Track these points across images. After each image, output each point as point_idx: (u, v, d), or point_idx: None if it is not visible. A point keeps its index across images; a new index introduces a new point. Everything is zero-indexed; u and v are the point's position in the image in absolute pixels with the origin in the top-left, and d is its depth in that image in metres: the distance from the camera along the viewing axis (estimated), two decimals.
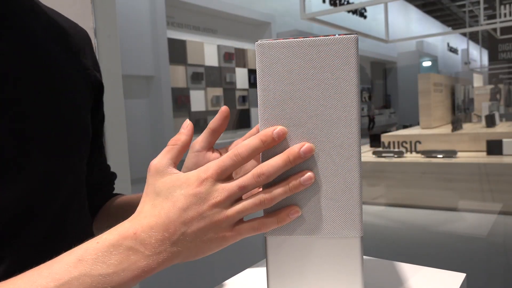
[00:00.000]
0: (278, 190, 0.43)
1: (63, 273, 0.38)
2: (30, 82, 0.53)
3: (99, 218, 0.75)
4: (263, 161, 0.44)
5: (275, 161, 0.42)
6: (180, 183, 0.42)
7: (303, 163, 0.45)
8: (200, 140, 0.52)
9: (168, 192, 0.42)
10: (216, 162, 0.43)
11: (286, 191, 0.43)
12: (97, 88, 0.68)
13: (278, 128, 0.43)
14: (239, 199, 0.43)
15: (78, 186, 0.61)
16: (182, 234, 0.41)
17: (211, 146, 0.53)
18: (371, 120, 12.02)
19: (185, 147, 0.47)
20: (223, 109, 0.51)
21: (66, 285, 0.38)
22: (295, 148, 0.43)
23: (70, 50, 0.62)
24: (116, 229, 0.42)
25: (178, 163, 0.47)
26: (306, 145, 0.43)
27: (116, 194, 0.79)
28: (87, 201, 0.66)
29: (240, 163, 0.43)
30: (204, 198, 0.41)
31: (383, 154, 4.60)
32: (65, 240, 0.55)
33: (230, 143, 0.58)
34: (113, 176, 0.80)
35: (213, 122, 0.51)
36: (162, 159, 0.45)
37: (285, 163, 0.42)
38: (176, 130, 7.34)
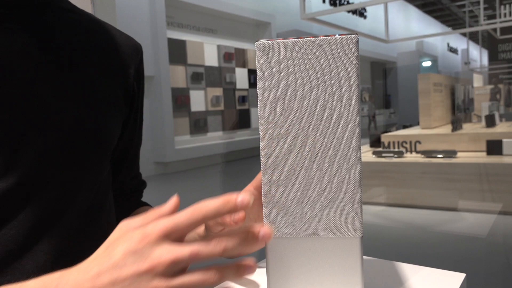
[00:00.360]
0: (230, 271, 0.38)
1: None
2: (55, 92, 0.54)
3: None
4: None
5: (213, 204, 0.38)
6: (125, 238, 0.37)
7: (301, 165, 0.45)
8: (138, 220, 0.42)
9: (112, 245, 0.37)
10: (170, 219, 0.37)
11: (235, 275, 0.38)
12: (135, 99, 0.69)
13: (243, 197, 0.38)
14: (182, 270, 0.37)
15: (98, 197, 0.61)
16: None
17: None
18: (371, 120, 12.01)
19: (158, 217, 0.40)
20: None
21: None
22: (233, 196, 0.39)
23: (108, 65, 0.63)
24: (42, 278, 0.37)
25: None
26: (244, 197, 0.38)
27: (145, 204, 0.80)
28: (112, 211, 0.67)
29: (196, 223, 0.37)
30: (144, 256, 0.35)
31: (383, 154, 4.60)
32: (84, 251, 0.55)
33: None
34: (143, 185, 0.80)
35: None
36: (132, 220, 0.40)
37: (222, 207, 0.38)
38: (176, 130, 7.35)
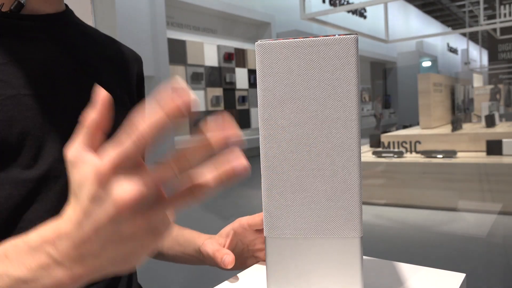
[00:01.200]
0: (209, 179, 0.33)
1: None
2: (77, 94, 0.62)
3: None
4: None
5: (153, 116, 0.31)
6: (84, 179, 0.33)
7: (301, 165, 0.45)
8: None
9: (77, 190, 0.34)
10: (114, 149, 0.32)
11: (217, 180, 0.33)
12: (136, 104, 0.76)
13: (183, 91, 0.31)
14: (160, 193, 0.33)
15: None
16: (101, 246, 0.33)
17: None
18: (379, 120, 12.01)
19: (96, 127, 0.36)
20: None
21: None
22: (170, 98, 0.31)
23: (116, 72, 0.71)
24: (41, 229, 0.36)
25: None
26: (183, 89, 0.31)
27: None
28: None
29: (143, 142, 0.31)
30: (108, 200, 0.32)
31: (383, 154, 4.60)
32: None
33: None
34: None
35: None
36: (71, 145, 0.36)
37: (165, 116, 0.30)
38: (176, 130, 7.34)
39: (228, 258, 0.59)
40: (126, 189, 0.31)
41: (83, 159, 0.34)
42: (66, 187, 0.58)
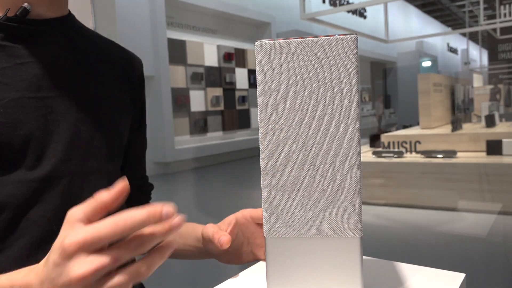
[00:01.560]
0: (155, 259, 0.39)
1: None
2: (79, 95, 0.64)
3: None
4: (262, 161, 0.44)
5: (137, 215, 0.37)
6: (57, 244, 0.38)
7: (301, 165, 0.45)
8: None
9: (52, 251, 0.39)
10: (90, 229, 0.37)
11: (162, 257, 0.39)
12: (140, 107, 0.78)
13: (167, 209, 0.37)
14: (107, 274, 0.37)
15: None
16: None
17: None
18: (380, 120, 12.01)
19: (103, 207, 0.39)
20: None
21: None
22: (158, 207, 0.37)
23: (117, 74, 0.73)
24: (13, 274, 0.43)
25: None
26: (168, 208, 0.38)
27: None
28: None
29: (119, 235, 0.37)
30: (66, 271, 0.37)
31: (383, 154, 4.60)
32: None
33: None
34: (150, 186, 0.86)
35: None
36: (75, 208, 0.40)
37: (146, 218, 0.37)
38: (176, 130, 7.37)
39: (224, 238, 0.59)
40: (82, 267, 0.36)
41: (70, 226, 0.39)
42: (68, 187, 0.60)
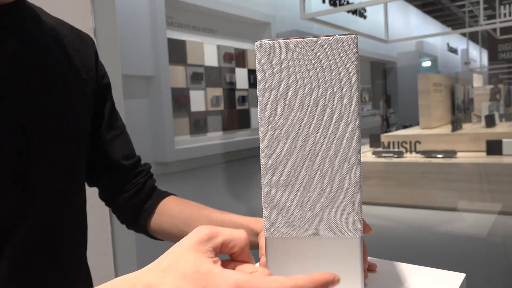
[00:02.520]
0: None
1: None
2: (34, 87, 0.60)
3: (159, 218, 0.78)
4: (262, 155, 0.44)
5: (305, 286, 0.37)
6: (199, 286, 0.36)
7: (301, 165, 0.45)
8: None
9: (182, 283, 0.36)
10: (288, 281, 0.36)
11: None
12: (101, 88, 0.75)
13: (336, 278, 0.38)
14: None
15: (72, 190, 0.65)
16: None
17: None
18: (385, 119, 11.98)
19: (235, 243, 0.41)
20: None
21: None
22: (327, 277, 0.38)
23: (72, 58, 0.69)
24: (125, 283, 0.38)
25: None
26: (336, 278, 0.38)
27: (167, 193, 0.82)
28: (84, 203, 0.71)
29: None
30: None
31: (383, 154, 4.60)
32: (60, 240, 0.61)
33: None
34: (146, 165, 0.83)
35: None
36: (213, 235, 0.40)
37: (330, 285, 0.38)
38: (176, 130, 7.36)
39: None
40: None
41: (212, 245, 0.39)
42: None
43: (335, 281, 0.38)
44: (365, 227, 0.53)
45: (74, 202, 0.66)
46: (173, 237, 0.76)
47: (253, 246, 0.69)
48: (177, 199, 0.80)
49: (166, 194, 0.82)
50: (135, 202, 0.78)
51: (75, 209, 0.66)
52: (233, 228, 0.67)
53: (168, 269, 0.38)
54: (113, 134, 0.77)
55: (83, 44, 0.73)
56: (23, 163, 0.56)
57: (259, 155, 0.46)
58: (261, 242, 0.59)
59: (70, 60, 0.68)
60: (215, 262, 0.38)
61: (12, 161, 0.55)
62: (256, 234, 0.68)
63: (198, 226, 0.71)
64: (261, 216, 0.64)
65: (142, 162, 0.84)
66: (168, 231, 0.76)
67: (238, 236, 0.41)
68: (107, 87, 0.77)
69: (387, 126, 11.59)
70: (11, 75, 0.57)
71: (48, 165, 0.59)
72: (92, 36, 1.34)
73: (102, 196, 0.80)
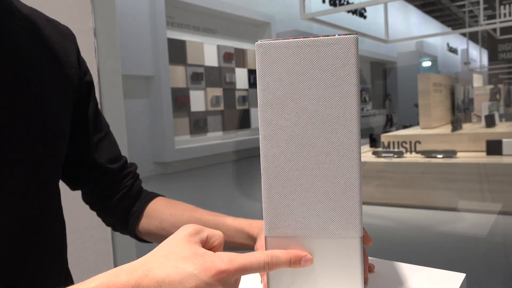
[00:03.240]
0: (282, 259, 0.45)
1: None
2: (5, 85, 0.55)
3: (148, 221, 0.76)
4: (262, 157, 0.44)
5: (282, 257, 0.45)
6: (194, 260, 0.41)
7: (301, 165, 0.45)
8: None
9: (179, 260, 0.41)
10: (244, 258, 0.42)
11: (286, 263, 0.45)
12: (83, 87, 0.69)
13: (308, 257, 0.46)
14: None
15: (50, 190, 0.62)
16: None
17: None
18: (389, 119, 11.98)
19: (216, 239, 0.47)
20: None
21: None
22: (300, 254, 0.46)
23: (49, 53, 0.64)
24: (109, 281, 0.39)
25: None
26: (308, 257, 0.46)
27: (155, 194, 0.79)
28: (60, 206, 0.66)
29: (263, 270, 0.44)
30: None
31: (383, 154, 4.60)
32: (39, 239, 0.59)
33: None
34: (133, 166, 0.79)
35: None
36: (200, 230, 0.45)
37: (287, 260, 0.45)
38: (176, 130, 7.37)
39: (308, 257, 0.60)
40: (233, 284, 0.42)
41: (199, 238, 0.45)
42: None
43: (307, 258, 0.46)
44: (366, 239, 0.55)
45: (47, 206, 0.61)
46: (162, 240, 0.76)
47: (248, 249, 0.68)
48: (166, 201, 0.78)
49: (153, 196, 0.79)
50: (123, 206, 0.76)
51: (46, 212, 0.62)
52: (231, 233, 0.71)
53: (167, 255, 0.42)
54: (98, 137, 0.73)
55: (62, 37, 0.67)
56: None
57: (259, 155, 0.46)
58: (261, 244, 0.60)
59: (48, 55, 0.63)
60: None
61: None
62: (251, 237, 0.67)
63: None
64: (261, 217, 0.64)
65: (136, 161, 0.81)
66: (158, 234, 0.75)
67: (218, 233, 0.47)
68: (90, 86, 0.72)
69: (391, 125, 11.58)
70: None
71: (17, 167, 0.55)
72: (91, 35, 1.34)
73: (86, 199, 0.77)
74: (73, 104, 0.67)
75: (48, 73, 0.62)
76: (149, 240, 0.78)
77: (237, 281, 0.43)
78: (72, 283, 0.68)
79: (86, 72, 0.71)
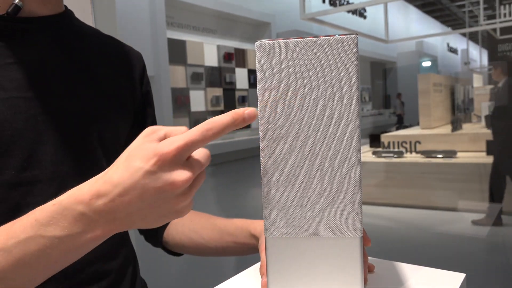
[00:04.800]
0: (223, 120, 0.42)
1: (21, 232, 0.41)
2: (71, 95, 0.62)
3: (171, 228, 0.78)
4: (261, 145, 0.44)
5: (223, 119, 0.41)
6: (140, 154, 0.40)
7: (301, 165, 0.45)
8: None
9: (132, 158, 0.40)
10: (183, 137, 0.40)
11: (230, 123, 0.42)
12: (142, 102, 0.76)
13: (250, 109, 0.42)
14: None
15: None
16: (139, 208, 0.40)
17: None
18: (400, 118, 11.96)
19: (190, 145, 0.43)
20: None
21: (23, 243, 0.41)
22: (240, 110, 0.42)
23: (115, 72, 0.71)
24: (74, 191, 0.42)
25: None
26: (251, 109, 0.42)
27: None
28: None
29: (209, 139, 0.41)
30: (163, 179, 0.39)
31: (383, 154, 4.60)
32: None
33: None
34: None
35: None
36: (156, 129, 0.43)
37: (231, 121, 0.41)
38: None
39: (251, 110, 0.57)
40: (182, 173, 0.40)
41: (156, 136, 0.41)
42: (60, 190, 0.57)
43: (250, 112, 0.42)
44: (365, 239, 0.55)
45: None
46: (181, 247, 0.77)
47: (252, 249, 0.69)
48: None
49: None
50: None
51: None
52: (238, 232, 0.71)
53: (124, 158, 0.42)
54: None
55: (129, 58, 0.75)
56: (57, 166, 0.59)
57: (259, 155, 0.46)
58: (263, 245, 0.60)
59: (111, 77, 0.69)
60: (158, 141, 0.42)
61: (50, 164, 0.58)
62: (254, 237, 0.68)
63: (205, 234, 0.74)
64: (261, 217, 0.64)
65: None
66: (178, 240, 0.77)
67: (179, 128, 0.44)
68: (151, 100, 0.78)
69: (401, 124, 11.54)
70: (39, 79, 0.59)
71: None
72: None
73: None
74: (132, 119, 0.73)
75: (112, 90, 0.69)
76: (173, 249, 0.79)
77: (191, 165, 0.40)
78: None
79: (147, 85, 0.78)
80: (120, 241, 0.69)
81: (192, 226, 0.76)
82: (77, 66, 0.64)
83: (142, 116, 0.76)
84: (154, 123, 0.78)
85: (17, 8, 0.58)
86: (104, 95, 0.67)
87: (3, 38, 0.58)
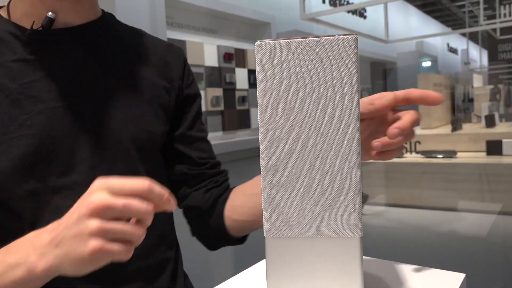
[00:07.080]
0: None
1: None
2: (107, 101, 0.64)
3: (233, 199, 0.78)
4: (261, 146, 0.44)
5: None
6: (73, 209, 0.46)
7: (301, 165, 0.45)
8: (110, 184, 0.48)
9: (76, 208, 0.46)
10: (106, 200, 0.43)
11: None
12: (186, 99, 0.77)
13: (171, 199, 0.47)
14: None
15: None
16: (62, 238, 0.45)
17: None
18: None
19: (132, 193, 0.47)
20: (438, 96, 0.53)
21: None
22: (167, 194, 0.47)
23: (154, 73, 0.72)
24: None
25: None
26: (171, 199, 0.47)
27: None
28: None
29: (127, 215, 0.44)
30: (84, 223, 0.44)
31: None
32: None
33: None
34: (226, 170, 0.84)
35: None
36: (105, 182, 0.46)
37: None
38: None
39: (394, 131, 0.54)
40: (97, 198, 0.44)
41: (96, 190, 0.45)
42: None
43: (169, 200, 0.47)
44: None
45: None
46: (247, 213, 0.74)
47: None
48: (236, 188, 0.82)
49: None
50: (212, 195, 0.77)
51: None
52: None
53: None
54: (196, 135, 0.77)
55: (170, 54, 0.76)
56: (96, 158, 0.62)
57: (259, 155, 0.46)
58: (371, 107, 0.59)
59: (151, 76, 0.71)
60: None
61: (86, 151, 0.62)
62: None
63: (240, 204, 0.77)
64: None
65: None
66: (242, 204, 0.74)
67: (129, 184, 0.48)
68: (193, 97, 0.78)
69: None
70: (74, 87, 0.62)
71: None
72: None
73: (172, 188, 0.79)
74: (173, 111, 0.74)
75: (148, 91, 0.70)
76: (235, 228, 0.76)
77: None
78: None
79: (191, 84, 0.78)
80: (159, 240, 0.71)
81: (231, 203, 0.76)
82: (111, 73, 0.66)
83: (179, 120, 0.76)
84: (190, 128, 0.77)
85: (50, 20, 0.61)
86: (140, 99, 0.68)
87: (39, 51, 0.61)
